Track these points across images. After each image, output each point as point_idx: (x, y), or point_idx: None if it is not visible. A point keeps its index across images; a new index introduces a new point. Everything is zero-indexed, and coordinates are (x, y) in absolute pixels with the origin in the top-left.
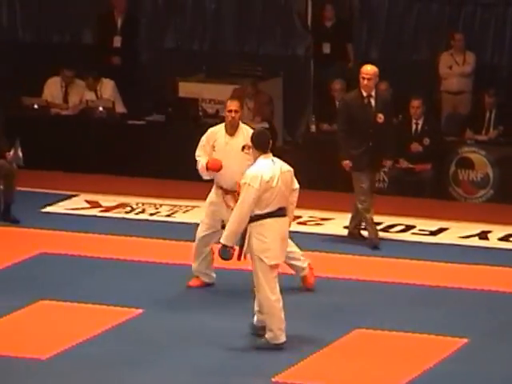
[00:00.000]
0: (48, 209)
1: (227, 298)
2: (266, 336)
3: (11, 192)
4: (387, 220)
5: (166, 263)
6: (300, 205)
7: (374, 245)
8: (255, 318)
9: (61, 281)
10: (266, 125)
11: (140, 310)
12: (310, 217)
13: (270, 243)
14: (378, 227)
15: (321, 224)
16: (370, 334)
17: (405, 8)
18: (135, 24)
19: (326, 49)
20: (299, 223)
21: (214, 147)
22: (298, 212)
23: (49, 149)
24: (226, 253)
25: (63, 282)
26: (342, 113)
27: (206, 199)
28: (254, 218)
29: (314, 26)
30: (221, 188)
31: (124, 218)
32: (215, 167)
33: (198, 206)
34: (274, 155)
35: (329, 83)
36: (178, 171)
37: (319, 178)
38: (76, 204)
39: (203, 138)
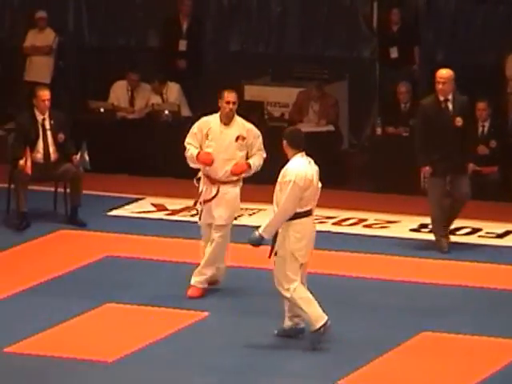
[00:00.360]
0: (114, 212)
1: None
2: (311, 330)
3: (78, 195)
4: (454, 223)
5: (231, 266)
6: (366, 207)
7: (443, 251)
8: (286, 323)
9: (126, 284)
10: (332, 127)
11: (206, 313)
12: (376, 220)
13: (305, 242)
14: None
15: (386, 227)
16: (436, 336)
17: (471, 10)
18: (200, 27)
19: (394, 53)
20: (365, 226)
21: (207, 135)
22: (363, 215)
23: (115, 152)
24: (259, 242)
25: (129, 285)
26: (419, 118)
27: (271, 202)
28: (293, 216)
29: (380, 30)
30: (208, 177)
31: (189, 221)
32: (207, 161)
33: (263, 209)
34: (338, 158)
35: (394, 86)
36: None
37: (385, 181)
38: (142, 207)
39: (194, 126)
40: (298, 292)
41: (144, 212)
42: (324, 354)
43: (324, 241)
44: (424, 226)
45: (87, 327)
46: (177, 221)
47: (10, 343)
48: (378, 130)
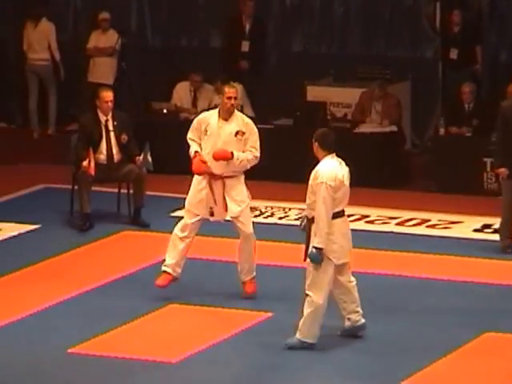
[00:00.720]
0: (177, 213)
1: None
2: (299, 336)
3: (141, 196)
4: None
5: (295, 266)
6: (429, 208)
7: (506, 251)
8: (346, 324)
9: (190, 284)
10: (395, 128)
11: (269, 314)
12: (439, 220)
13: (340, 242)
14: None
15: (450, 227)
16: (500, 337)
17: None
18: (263, 28)
19: (454, 54)
20: (428, 226)
21: (206, 131)
22: (427, 215)
23: (178, 153)
24: (319, 257)
25: (192, 286)
26: (499, 119)
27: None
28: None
29: (442, 30)
30: (210, 173)
31: (253, 222)
32: (196, 171)
33: None
34: (401, 159)
35: (458, 86)
36: (305, 175)
37: (448, 181)
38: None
39: (195, 122)
40: (320, 301)
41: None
42: (388, 354)
43: (387, 241)
44: (487, 226)
45: (151, 328)
46: None
47: (75, 344)
48: (441, 131)
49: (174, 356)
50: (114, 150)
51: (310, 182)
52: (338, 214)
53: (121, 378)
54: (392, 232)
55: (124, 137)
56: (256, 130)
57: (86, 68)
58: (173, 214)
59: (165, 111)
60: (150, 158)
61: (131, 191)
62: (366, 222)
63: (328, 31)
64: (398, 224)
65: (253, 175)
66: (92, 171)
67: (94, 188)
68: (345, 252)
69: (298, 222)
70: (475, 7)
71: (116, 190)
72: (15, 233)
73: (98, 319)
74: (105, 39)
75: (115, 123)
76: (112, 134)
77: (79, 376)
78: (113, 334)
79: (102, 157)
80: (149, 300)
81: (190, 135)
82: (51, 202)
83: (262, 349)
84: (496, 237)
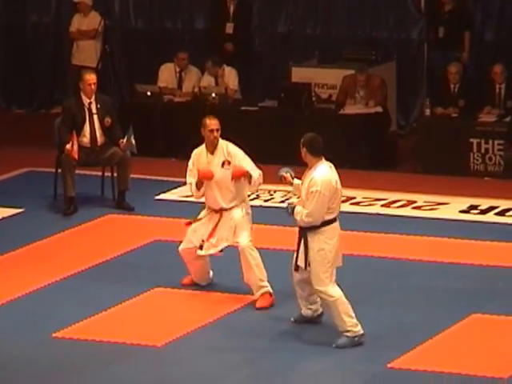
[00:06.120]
0: (162, 196)
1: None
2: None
3: (125, 179)
4: (503, 204)
5: (285, 249)
6: (415, 190)
7: None
8: (307, 312)
9: (175, 268)
10: (380, 109)
11: (254, 297)
12: (425, 201)
13: (338, 247)
14: (493, 211)
15: (436, 209)
16: (487, 319)
17: None
18: (247, 10)
19: (441, 33)
20: (414, 208)
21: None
22: (413, 197)
23: (162, 136)
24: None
25: (178, 270)
26: None
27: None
28: (324, 224)
29: (431, 10)
30: (210, 208)
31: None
32: (206, 175)
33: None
34: (387, 140)
35: (444, 66)
36: (290, 157)
37: (434, 162)
38: (190, 191)
39: (189, 163)
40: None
41: (191, 196)
42: (374, 336)
43: (373, 223)
44: (474, 207)
45: (136, 312)
46: None
47: (59, 328)
48: (427, 112)
49: (160, 340)
50: (98, 133)
51: (305, 189)
52: (335, 219)
53: (105, 362)
54: (378, 214)
55: (107, 120)
56: (242, 152)
57: (70, 51)
58: (157, 198)
59: (148, 93)
60: (133, 141)
61: (115, 174)
62: (352, 203)
63: (313, 12)
64: (383, 206)
65: None
66: (75, 154)
67: (77, 171)
68: (340, 256)
69: (283, 205)
70: None
71: (100, 174)
72: None
73: (82, 304)
74: (87, 22)
75: (98, 106)
76: (95, 117)
77: (64, 360)
78: (97, 318)
79: (86, 140)
80: (133, 284)
81: (188, 179)
82: (35, 186)
83: (248, 332)
84: (482, 218)
